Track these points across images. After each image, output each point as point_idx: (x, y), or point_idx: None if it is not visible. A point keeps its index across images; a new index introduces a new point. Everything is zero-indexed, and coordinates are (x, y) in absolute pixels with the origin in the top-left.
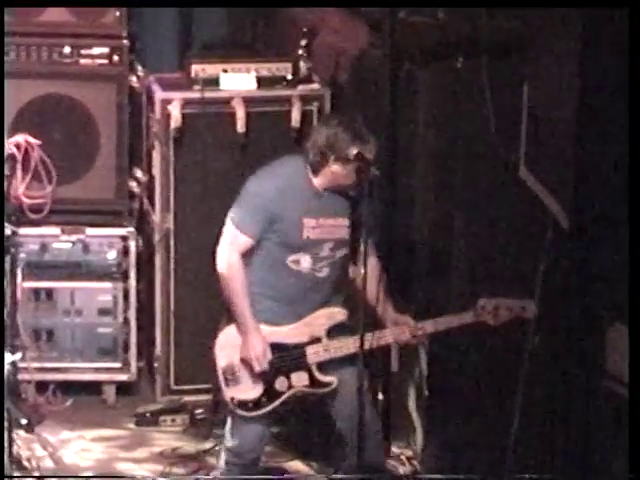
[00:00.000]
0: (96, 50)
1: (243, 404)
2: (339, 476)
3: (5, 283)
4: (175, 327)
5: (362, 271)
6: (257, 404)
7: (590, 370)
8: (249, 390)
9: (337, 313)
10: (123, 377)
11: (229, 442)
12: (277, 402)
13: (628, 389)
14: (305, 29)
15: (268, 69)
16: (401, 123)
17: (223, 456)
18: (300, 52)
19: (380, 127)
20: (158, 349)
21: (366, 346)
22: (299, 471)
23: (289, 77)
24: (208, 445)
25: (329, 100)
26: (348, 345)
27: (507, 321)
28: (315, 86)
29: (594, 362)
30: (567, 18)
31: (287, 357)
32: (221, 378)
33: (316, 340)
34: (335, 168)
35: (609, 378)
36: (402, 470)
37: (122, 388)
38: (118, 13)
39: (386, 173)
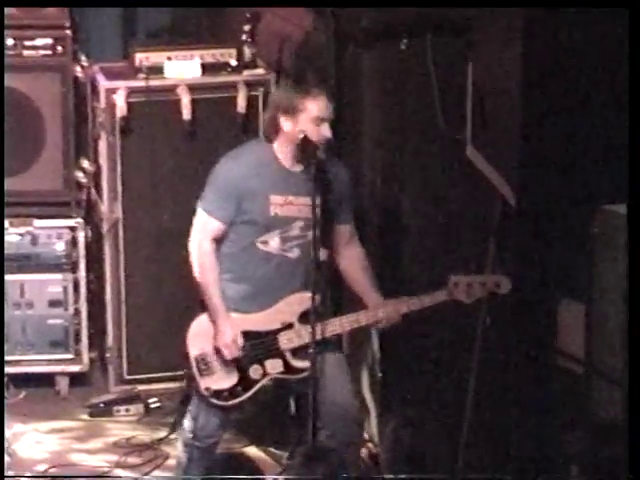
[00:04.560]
0: (39, 41)
1: (219, 394)
2: None
3: None
4: (126, 317)
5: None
6: (233, 393)
7: (542, 347)
8: (224, 379)
9: (309, 298)
10: (75, 368)
11: (191, 424)
12: (252, 390)
13: (627, 387)
14: (248, 14)
15: (212, 55)
16: (347, 105)
17: (184, 437)
18: (244, 37)
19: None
20: (110, 339)
21: (340, 330)
22: (255, 456)
23: (234, 63)
24: (162, 434)
25: (275, 85)
26: (324, 329)
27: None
28: (260, 71)
29: (546, 339)
30: None
31: (260, 345)
32: (194, 368)
33: (288, 326)
34: (286, 126)
35: (561, 355)
36: None
37: (75, 379)
38: None
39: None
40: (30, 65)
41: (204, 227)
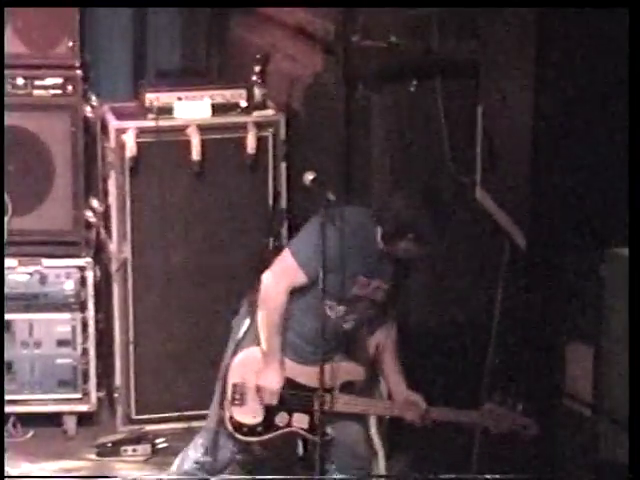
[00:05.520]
0: (49, 81)
1: (239, 426)
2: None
3: None
4: (134, 357)
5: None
6: (252, 431)
7: (550, 389)
8: (250, 415)
9: (356, 371)
10: (83, 408)
11: (202, 457)
12: (271, 435)
13: (629, 392)
14: (258, 55)
15: (222, 96)
16: (356, 147)
17: (185, 465)
18: (254, 78)
19: (335, 151)
20: (118, 379)
21: (373, 412)
22: None
23: (243, 104)
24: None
25: (284, 126)
26: (356, 405)
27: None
28: (270, 112)
29: (553, 381)
30: (521, 39)
31: (295, 396)
32: (229, 395)
33: (328, 390)
34: (409, 245)
35: (569, 397)
36: None
37: (83, 419)
38: (71, 43)
39: (342, 197)
40: (40, 105)
41: (290, 274)
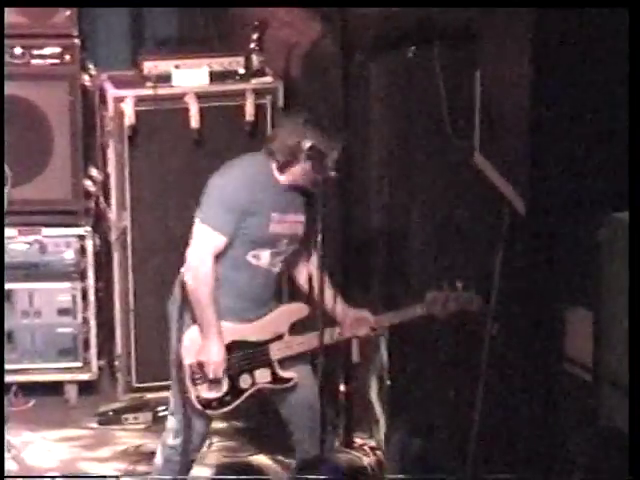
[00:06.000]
0: (47, 50)
1: (208, 403)
2: None
3: None
4: (135, 325)
5: (312, 268)
6: (221, 402)
7: (550, 354)
8: (214, 388)
9: (300, 309)
10: (84, 376)
11: (173, 440)
12: (240, 400)
13: (629, 356)
14: (256, 22)
15: (220, 64)
16: (354, 114)
17: (161, 454)
18: (252, 46)
19: (333, 118)
20: (118, 347)
21: (327, 341)
22: (263, 465)
23: (242, 71)
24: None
25: (282, 93)
26: (310, 341)
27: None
28: (268, 79)
29: (554, 346)
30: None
31: (251, 354)
32: (188, 376)
33: (279, 337)
34: (304, 166)
35: (569, 362)
36: (366, 461)
37: (84, 387)
38: (69, 12)
39: (340, 166)
40: (38, 74)
41: (208, 242)
